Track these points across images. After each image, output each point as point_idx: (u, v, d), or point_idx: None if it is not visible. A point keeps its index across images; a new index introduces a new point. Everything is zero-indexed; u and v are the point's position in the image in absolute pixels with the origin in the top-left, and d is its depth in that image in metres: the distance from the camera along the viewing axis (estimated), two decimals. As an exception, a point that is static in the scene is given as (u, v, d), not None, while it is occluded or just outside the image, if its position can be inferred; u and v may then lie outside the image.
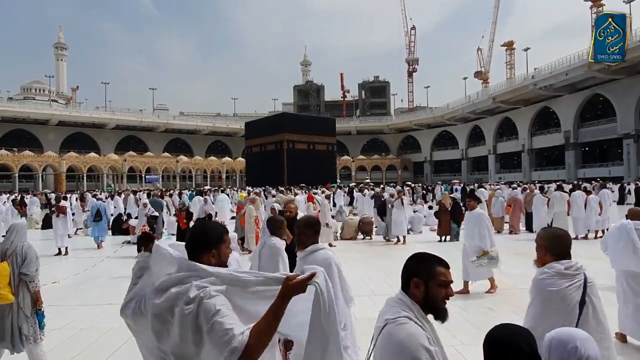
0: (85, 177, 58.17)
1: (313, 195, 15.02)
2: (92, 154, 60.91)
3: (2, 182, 54.12)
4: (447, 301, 1.83)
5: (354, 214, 16.77)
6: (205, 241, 1.93)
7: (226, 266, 1.93)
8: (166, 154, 69.00)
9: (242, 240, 11.54)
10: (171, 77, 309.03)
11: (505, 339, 1.66)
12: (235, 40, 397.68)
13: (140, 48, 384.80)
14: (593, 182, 29.71)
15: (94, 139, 68.17)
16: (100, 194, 26.83)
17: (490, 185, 32.29)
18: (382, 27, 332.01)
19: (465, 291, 7.09)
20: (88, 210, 16.30)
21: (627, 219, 4.86)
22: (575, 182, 34.46)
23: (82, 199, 21.93)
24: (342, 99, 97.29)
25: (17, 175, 53.21)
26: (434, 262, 1.86)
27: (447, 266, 1.87)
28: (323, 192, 20.07)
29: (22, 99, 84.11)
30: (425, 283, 1.81)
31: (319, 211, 12.60)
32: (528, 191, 15.52)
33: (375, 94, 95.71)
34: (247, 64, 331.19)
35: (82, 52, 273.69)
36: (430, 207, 19.03)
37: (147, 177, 63.19)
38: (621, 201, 25.87)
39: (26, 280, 4.06)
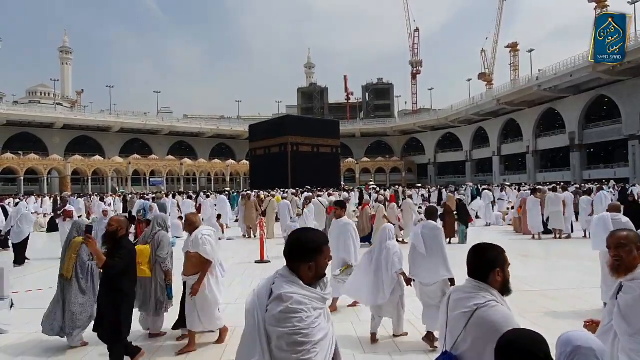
0: (90, 180, 58.40)
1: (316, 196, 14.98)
2: (97, 157, 61.19)
3: (7, 185, 54.45)
4: None
5: (357, 216, 16.72)
6: (301, 252, 1.91)
7: (323, 276, 1.95)
8: (170, 156, 69.20)
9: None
10: (175, 80, 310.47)
11: (517, 343, 1.65)
12: (239, 43, 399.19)
13: (144, 51, 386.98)
14: (596, 183, 29.92)
15: (99, 142, 68.49)
16: (148, 194, 28.35)
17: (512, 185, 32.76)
18: (385, 30, 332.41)
19: (332, 309, 6.21)
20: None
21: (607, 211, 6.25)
22: (563, 183, 34.38)
23: (124, 200, 22.95)
24: (346, 102, 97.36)
25: (22, 178, 53.51)
26: (501, 250, 2.13)
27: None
28: (329, 194, 20.12)
29: (27, 102, 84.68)
30: (503, 270, 2.08)
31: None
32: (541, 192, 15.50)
33: (379, 96, 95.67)
34: (251, 66, 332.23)
35: (87, 55, 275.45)
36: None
37: (151, 180, 63.39)
38: (623, 202, 26.09)
39: (159, 261, 5.30)
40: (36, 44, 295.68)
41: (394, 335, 5.28)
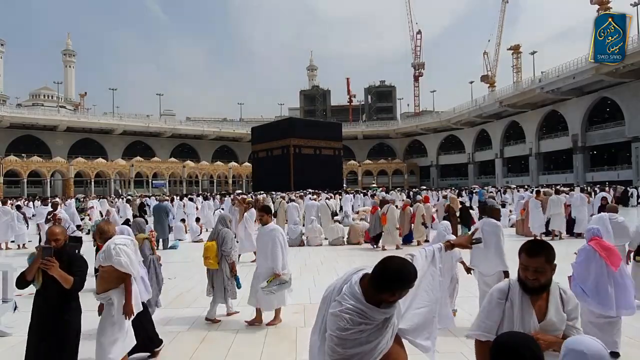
0: (92, 183, 58.55)
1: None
2: (100, 160, 61.40)
3: (10, 187, 54.61)
4: (530, 279, 2.29)
5: (361, 219, 16.73)
6: (381, 282, 1.96)
7: (387, 304, 2.05)
8: (173, 159, 69.38)
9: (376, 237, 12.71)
10: (178, 82, 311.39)
11: (510, 346, 1.73)
12: (242, 45, 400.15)
13: (148, 54, 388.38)
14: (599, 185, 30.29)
15: (102, 144, 68.72)
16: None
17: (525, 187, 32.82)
18: (388, 32, 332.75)
19: (258, 320, 5.93)
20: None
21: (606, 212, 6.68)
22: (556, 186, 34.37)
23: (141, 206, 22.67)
24: (348, 104, 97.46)
25: (25, 180, 53.68)
26: (520, 252, 2.32)
27: (529, 254, 2.28)
28: (328, 198, 20.14)
29: (30, 105, 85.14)
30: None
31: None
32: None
33: (382, 99, 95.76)
34: (253, 69, 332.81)
35: (90, 58, 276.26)
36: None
37: (154, 182, 63.51)
38: (625, 204, 27.48)
39: (224, 255, 6.00)
40: (40, 46, 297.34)
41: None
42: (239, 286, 6.23)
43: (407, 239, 13.21)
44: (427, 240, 12.65)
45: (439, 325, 2.65)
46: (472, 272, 5.81)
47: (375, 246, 12.85)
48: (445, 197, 20.08)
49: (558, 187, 23.57)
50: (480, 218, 16.10)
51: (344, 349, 1.92)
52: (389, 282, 1.94)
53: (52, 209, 11.49)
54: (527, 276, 2.27)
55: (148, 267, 5.37)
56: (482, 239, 4.12)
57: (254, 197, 22.13)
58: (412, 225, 13.27)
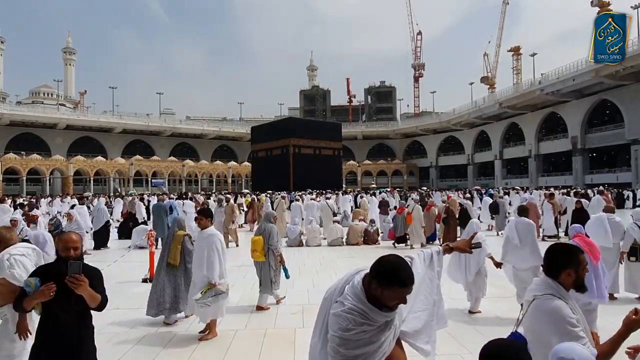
0: (92, 181, 58.52)
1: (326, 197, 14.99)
2: (99, 158, 61.37)
3: (10, 185, 54.56)
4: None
5: (360, 219, 16.70)
6: (381, 277, 1.97)
7: (389, 308, 2.01)
8: (172, 158, 69.35)
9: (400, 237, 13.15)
10: (178, 81, 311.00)
11: (497, 353, 1.74)
12: (242, 45, 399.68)
13: (148, 53, 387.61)
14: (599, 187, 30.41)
15: (101, 142, 68.70)
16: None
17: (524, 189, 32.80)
18: (388, 33, 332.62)
19: (210, 334, 5.43)
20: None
21: (603, 212, 7.35)
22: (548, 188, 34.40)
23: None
24: (348, 104, 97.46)
25: (24, 178, 53.65)
26: (578, 252, 2.34)
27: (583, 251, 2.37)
28: (328, 198, 20.16)
29: (30, 103, 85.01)
30: (576, 271, 2.27)
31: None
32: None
33: (382, 99, 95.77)
34: (253, 68, 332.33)
35: (90, 56, 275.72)
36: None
37: (153, 181, 63.49)
38: (620, 206, 27.63)
39: (272, 248, 6.64)
40: (40, 44, 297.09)
41: (470, 312, 6.26)
42: (287, 276, 6.84)
43: (431, 238, 13.77)
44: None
45: (436, 327, 2.65)
46: (502, 266, 6.22)
47: (396, 245, 13.23)
48: (444, 202, 20.13)
49: (577, 189, 23.70)
50: (492, 218, 16.25)
51: (347, 350, 1.91)
52: (385, 275, 1.92)
53: (28, 209, 11.14)
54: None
55: (192, 259, 5.82)
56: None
57: (247, 196, 22.16)
58: (437, 224, 13.81)
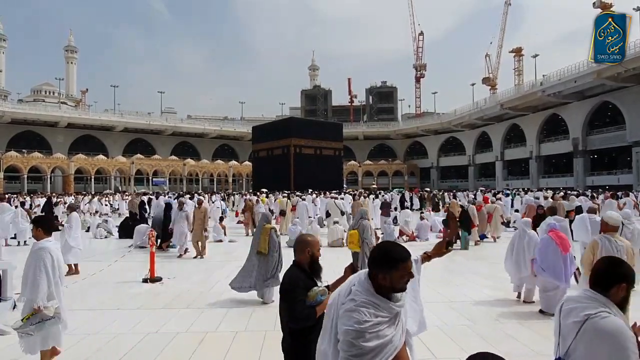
0: (93, 179, 58.58)
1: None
2: (101, 156, 61.45)
3: (11, 183, 54.63)
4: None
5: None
6: (379, 263, 2.06)
7: (399, 291, 2.08)
8: (173, 157, 69.40)
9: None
10: (179, 80, 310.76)
11: None
12: (244, 45, 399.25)
13: (150, 52, 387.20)
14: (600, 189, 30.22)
15: (103, 141, 68.75)
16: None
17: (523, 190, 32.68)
18: (390, 33, 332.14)
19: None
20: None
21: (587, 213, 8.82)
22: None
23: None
24: (349, 104, 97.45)
25: (25, 176, 53.71)
26: (630, 268, 2.19)
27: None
28: (333, 197, 20.19)
29: (32, 101, 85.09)
30: (627, 287, 2.11)
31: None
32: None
33: (383, 99, 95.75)
34: (255, 68, 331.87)
35: (91, 55, 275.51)
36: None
37: (154, 180, 63.52)
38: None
39: (366, 241, 7.50)
40: (41, 42, 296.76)
41: (524, 302, 7.01)
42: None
43: (482, 237, 14.45)
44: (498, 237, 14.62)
45: (417, 332, 2.83)
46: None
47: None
48: (469, 202, 20.03)
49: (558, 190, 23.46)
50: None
51: (364, 342, 1.91)
52: (386, 260, 2.04)
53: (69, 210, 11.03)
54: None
55: (277, 248, 7.05)
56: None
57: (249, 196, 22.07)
58: (489, 224, 14.74)
